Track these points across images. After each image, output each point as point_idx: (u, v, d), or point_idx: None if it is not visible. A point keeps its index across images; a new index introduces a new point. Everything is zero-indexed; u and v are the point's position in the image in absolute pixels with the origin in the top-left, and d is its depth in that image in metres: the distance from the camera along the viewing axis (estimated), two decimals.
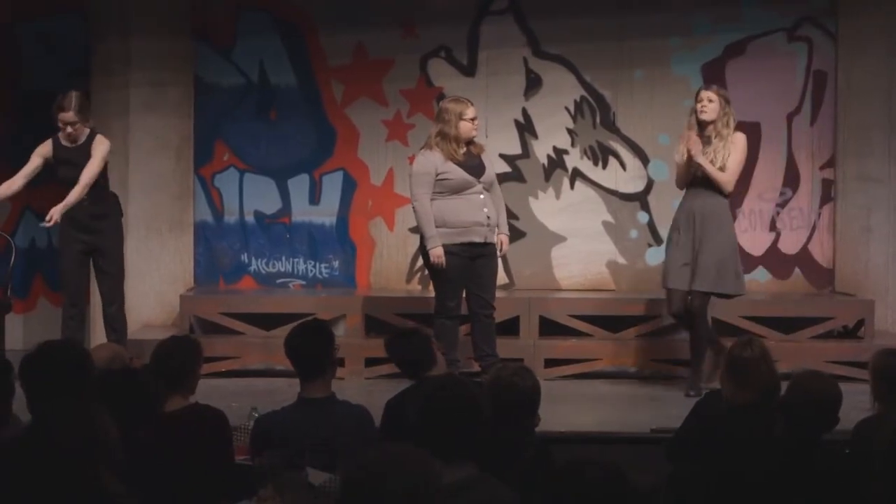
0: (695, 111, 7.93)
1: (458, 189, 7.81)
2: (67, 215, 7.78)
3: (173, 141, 9.42)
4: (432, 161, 7.81)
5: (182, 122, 9.49)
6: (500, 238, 7.94)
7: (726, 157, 7.84)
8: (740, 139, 7.92)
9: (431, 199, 7.80)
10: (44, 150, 7.96)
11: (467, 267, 7.84)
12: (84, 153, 7.87)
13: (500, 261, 8.13)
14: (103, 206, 7.97)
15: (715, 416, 5.09)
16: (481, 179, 7.87)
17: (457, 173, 7.80)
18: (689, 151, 7.83)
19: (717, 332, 8.15)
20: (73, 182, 7.83)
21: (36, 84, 9.75)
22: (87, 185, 7.81)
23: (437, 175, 7.79)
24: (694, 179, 7.90)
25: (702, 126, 7.90)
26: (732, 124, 7.91)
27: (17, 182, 7.97)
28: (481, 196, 7.85)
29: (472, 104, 7.94)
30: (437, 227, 7.77)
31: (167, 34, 9.35)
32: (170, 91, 9.37)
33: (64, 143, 7.89)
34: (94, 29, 9.34)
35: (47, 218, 7.71)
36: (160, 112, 9.32)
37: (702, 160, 7.79)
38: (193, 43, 9.55)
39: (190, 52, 9.52)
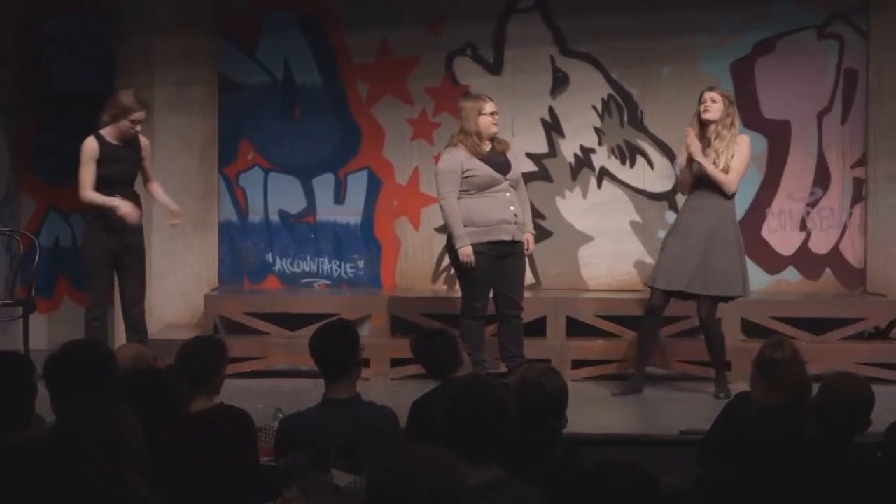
0: (698, 113, 7.92)
1: (485, 186, 7.81)
2: (98, 214, 7.77)
3: (197, 140, 9.44)
4: (458, 158, 7.82)
5: (206, 121, 9.52)
6: (526, 237, 7.94)
7: (729, 158, 7.80)
8: (744, 141, 7.90)
9: (458, 198, 7.80)
10: (92, 151, 7.76)
11: (495, 266, 7.83)
12: (133, 150, 7.85)
13: (527, 260, 8.12)
14: (138, 205, 7.98)
15: (745, 418, 5.07)
16: (507, 176, 7.86)
17: (482, 170, 7.80)
18: (688, 152, 7.81)
19: (744, 333, 8.12)
20: (125, 180, 7.80)
21: (58, 84, 9.79)
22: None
23: (463, 172, 7.79)
24: (697, 182, 7.86)
25: (704, 127, 7.88)
26: (736, 125, 7.87)
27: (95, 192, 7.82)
28: (507, 194, 7.85)
29: (490, 99, 7.94)
30: (464, 225, 7.77)
31: (191, 33, 9.37)
32: (194, 90, 9.39)
33: (111, 140, 7.83)
34: (117, 28, 9.37)
35: (175, 221, 8.03)
36: (184, 111, 9.35)
37: (702, 160, 7.77)
38: (218, 41, 9.57)
39: (214, 50, 9.54)
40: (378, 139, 9.66)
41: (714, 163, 7.80)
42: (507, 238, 7.81)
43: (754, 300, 9.05)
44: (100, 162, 7.76)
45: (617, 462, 3.35)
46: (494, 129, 7.89)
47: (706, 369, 8.47)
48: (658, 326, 8.01)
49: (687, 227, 7.88)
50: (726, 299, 7.94)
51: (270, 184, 9.72)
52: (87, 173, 7.72)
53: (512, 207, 7.84)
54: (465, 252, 7.77)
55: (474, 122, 7.83)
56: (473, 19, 9.55)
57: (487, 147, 7.86)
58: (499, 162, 7.87)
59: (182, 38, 9.28)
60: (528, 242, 7.94)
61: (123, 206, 7.68)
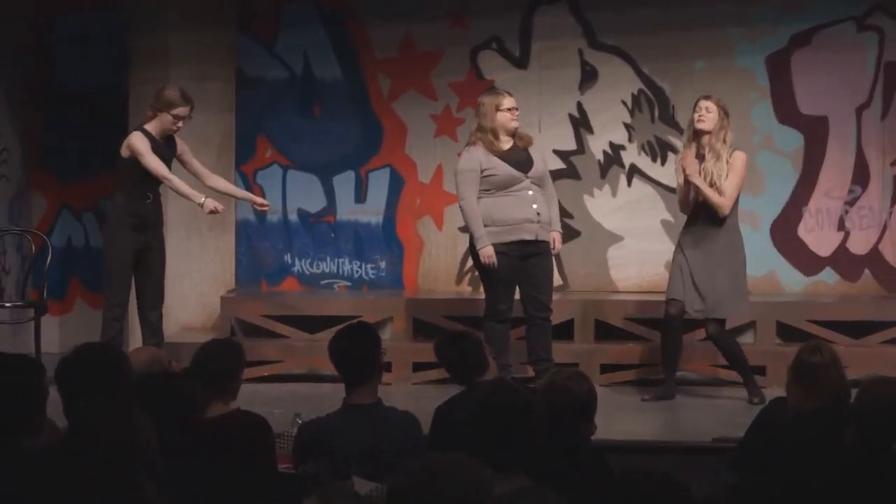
0: (692, 122, 7.90)
1: (505, 185, 7.80)
2: (127, 212, 7.78)
3: (214, 137, 9.46)
4: (476, 157, 7.82)
5: (223, 117, 9.53)
6: (553, 236, 7.92)
7: (723, 177, 7.74)
8: (739, 159, 7.85)
9: (479, 198, 7.80)
10: (146, 143, 7.75)
11: (518, 267, 7.82)
12: (170, 146, 7.89)
13: (554, 260, 8.11)
14: (161, 205, 8.02)
15: (780, 424, 5.05)
16: (529, 174, 7.84)
17: (502, 169, 7.80)
18: (684, 172, 7.79)
19: (781, 339, 8.10)
20: (158, 179, 7.80)
21: (70, 81, 9.82)
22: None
23: (482, 171, 7.79)
24: (698, 200, 7.84)
25: (698, 136, 7.85)
26: (730, 140, 7.82)
27: (179, 180, 7.86)
28: (530, 192, 7.83)
29: (509, 94, 7.93)
30: (485, 225, 7.77)
31: (207, 26, 9.39)
32: (210, 85, 9.40)
33: (155, 135, 7.85)
34: (131, 23, 9.39)
35: (263, 206, 8.14)
36: (200, 107, 9.30)
37: (697, 181, 7.74)
38: (235, 35, 9.59)
39: (231, 44, 9.56)
40: (400, 136, 9.67)
41: (707, 180, 7.76)
42: (529, 237, 7.80)
43: (791, 302, 9.04)
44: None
45: (647, 470, 3.33)
46: (513, 125, 7.87)
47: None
48: (679, 332, 7.97)
49: (697, 246, 7.84)
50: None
51: (289, 182, 9.74)
52: (156, 161, 7.72)
53: (535, 206, 7.83)
54: (486, 253, 7.77)
55: (491, 118, 7.83)
56: (499, 12, 9.54)
57: (507, 144, 7.86)
58: (520, 160, 7.85)
59: (198, 33, 9.30)
60: (554, 241, 7.92)
61: (209, 203, 7.75)
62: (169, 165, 7.85)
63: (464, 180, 7.83)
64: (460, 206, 7.91)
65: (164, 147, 7.84)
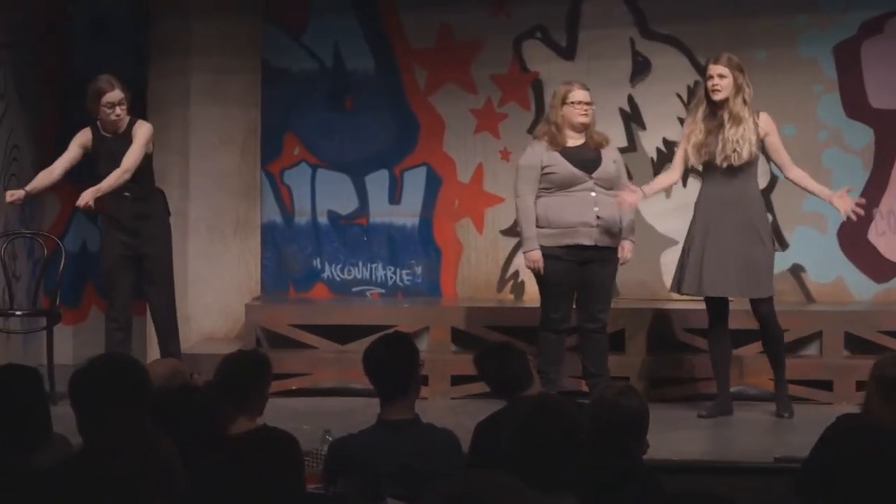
0: (705, 91, 7.81)
1: (565, 185, 7.81)
2: (108, 214, 7.87)
3: (238, 134, 9.50)
4: (537, 153, 7.85)
5: (248, 112, 9.57)
6: (623, 243, 7.90)
7: (751, 142, 7.67)
8: (770, 121, 7.82)
9: (538, 196, 7.82)
10: (83, 138, 7.96)
11: (575, 273, 7.82)
12: (127, 144, 7.90)
13: (616, 270, 8.06)
14: (147, 204, 7.99)
15: (852, 443, 5.03)
16: (594, 175, 7.84)
17: (562, 167, 7.81)
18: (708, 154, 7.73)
19: (852, 348, 8.06)
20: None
21: (87, 73, 9.87)
22: (128, 171, 7.79)
23: (542, 169, 7.81)
24: (710, 166, 7.76)
25: (714, 108, 7.77)
26: (750, 100, 7.74)
27: (55, 171, 7.99)
28: (592, 194, 7.83)
29: (583, 87, 7.91)
30: (540, 227, 7.79)
31: (231, 15, 9.44)
32: (234, 79, 9.45)
33: (105, 133, 7.92)
34: (151, 11, 9.45)
35: (79, 201, 7.77)
36: (223, 102, 9.42)
37: (815, 189, 7.90)
38: (260, 24, 9.63)
39: (256, 34, 9.60)
40: (437, 132, 9.68)
41: (735, 152, 7.66)
42: (587, 242, 7.80)
43: (860, 311, 9.00)
44: (95, 158, 7.88)
45: (703, 492, 3.33)
46: (580, 121, 7.87)
47: (806, 389, 8.42)
48: (725, 337, 7.94)
49: (719, 225, 7.78)
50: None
51: (318, 182, 9.77)
52: (64, 155, 7.95)
53: (596, 209, 7.82)
54: (531, 257, 7.79)
55: (557, 110, 7.86)
56: None
57: (575, 140, 7.86)
58: (585, 158, 7.85)
59: (221, 22, 9.35)
60: (622, 249, 7.91)
61: (83, 197, 7.73)
62: (117, 160, 7.84)
63: (521, 177, 7.87)
64: (515, 204, 7.94)
65: (116, 143, 7.89)
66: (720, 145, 7.70)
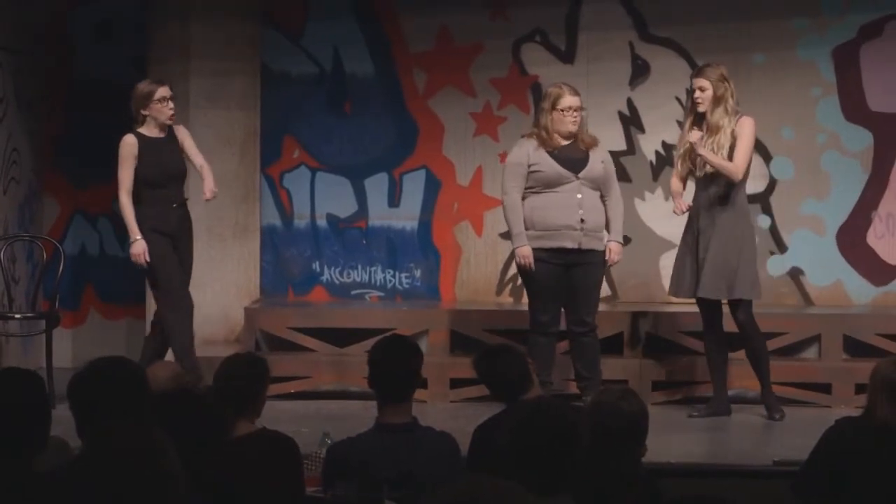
0: (692, 103, 7.92)
1: (551, 184, 7.82)
2: (151, 224, 7.86)
3: (237, 137, 9.51)
4: (524, 151, 7.87)
5: (247, 115, 9.58)
6: (610, 246, 7.90)
7: (725, 147, 7.72)
8: (747, 125, 7.83)
9: (524, 197, 7.83)
10: (132, 149, 7.88)
11: (561, 276, 7.83)
12: (173, 144, 7.94)
13: (604, 272, 8.07)
14: (186, 210, 8.10)
15: (860, 445, 5.04)
16: (580, 175, 7.84)
17: (548, 166, 7.82)
18: (690, 145, 7.76)
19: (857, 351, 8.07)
20: (174, 178, 7.92)
21: (87, 75, 9.89)
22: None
23: (529, 167, 7.82)
24: (705, 183, 7.83)
25: (700, 118, 7.86)
26: (731, 108, 7.77)
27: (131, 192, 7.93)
28: (578, 195, 7.83)
29: (573, 92, 7.90)
30: (525, 228, 7.80)
31: (231, 18, 9.44)
32: (234, 81, 9.46)
33: (150, 135, 7.92)
34: (151, 14, 9.46)
35: (209, 195, 7.93)
36: (223, 105, 9.42)
37: (704, 152, 7.73)
38: (260, 28, 9.63)
39: (256, 37, 9.60)
40: (437, 135, 9.68)
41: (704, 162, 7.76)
42: (570, 245, 7.81)
43: (859, 314, 9.00)
44: (146, 161, 7.86)
45: (702, 496, 3.34)
46: (569, 129, 7.87)
47: (805, 392, 8.42)
48: (720, 339, 7.96)
49: (706, 228, 7.83)
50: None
51: (318, 185, 9.77)
52: (125, 174, 7.85)
53: (581, 211, 7.82)
54: (521, 252, 7.81)
55: (547, 114, 7.86)
56: (543, 2, 9.55)
57: (564, 142, 7.86)
58: (572, 158, 7.85)
59: (221, 25, 9.35)
60: (609, 252, 7.90)
61: (136, 246, 7.80)
62: (178, 161, 7.93)
63: (508, 174, 7.90)
64: (502, 201, 7.95)
65: (167, 143, 7.90)
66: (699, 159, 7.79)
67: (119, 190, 7.88)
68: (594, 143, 7.95)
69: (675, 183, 8.06)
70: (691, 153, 7.85)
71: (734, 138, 7.78)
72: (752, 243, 7.94)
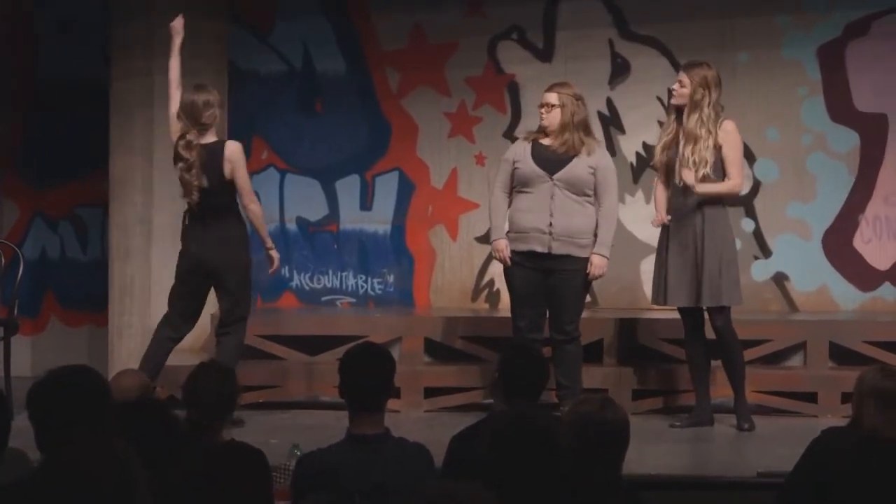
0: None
1: (526, 184, 7.86)
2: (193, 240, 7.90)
3: None
4: (515, 148, 8.01)
5: None
6: (592, 258, 7.88)
7: (707, 166, 7.67)
8: (731, 131, 7.79)
9: (510, 195, 7.89)
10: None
11: (537, 281, 7.84)
12: (214, 154, 7.87)
13: (586, 282, 8.05)
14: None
15: (849, 456, 5.05)
16: (555, 177, 7.84)
17: (525, 163, 7.85)
18: (683, 180, 7.73)
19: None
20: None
21: (48, 73, 9.86)
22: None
23: (513, 163, 7.87)
24: (678, 190, 7.84)
25: (679, 114, 7.85)
26: (708, 117, 7.72)
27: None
28: (552, 197, 7.82)
29: (550, 88, 7.91)
30: (507, 232, 7.85)
31: (196, 15, 9.38)
32: (199, 80, 9.41)
33: (196, 140, 7.84)
34: (115, 10, 9.43)
35: (273, 269, 8.01)
36: None
37: (701, 190, 7.69)
38: (226, 25, 9.61)
39: (222, 35, 9.58)
40: (410, 136, 9.69)
41: (695, 163, 7.68)
42: (540, 250, 7.81)
43: (845, 321, 9.03)
44: (188, 162, 7.83)
45: None
46: (541, 123, 7.90)
47: (790, 401, 8.44)
48: (702, 347, 7.98)
49: (679, 235, 7.84)
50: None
51: (287, 187, 9.76)
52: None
53: (551, 215, 7.81)
54: (496, 246, 7.90)
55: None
56: None
57: (553, 141, 7.86)
58: (550, 158, 7.85)
59: (186, 21, 9.31)
60: (590, 265, 7.87)
61: (275, 255, 8.01)
62: (208, 171, 7.90)
63: (498, 170, 8.00)
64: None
65: (212, 151, 7.89)
66: (676, 163, 7.77)
67: (250, 197, 7.89)
68: (585, 147, 7.88)
69: (661, 192, 8.01)
70: (668, 149, 7.83)
71: (718, 149, 7.74)
72: (732, 246, 7.94)
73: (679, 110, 7.85)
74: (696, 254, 7.80)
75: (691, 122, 7.76)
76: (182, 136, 7.78)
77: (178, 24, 7.96)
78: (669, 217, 7.86)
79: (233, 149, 7.82)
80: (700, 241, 7.80)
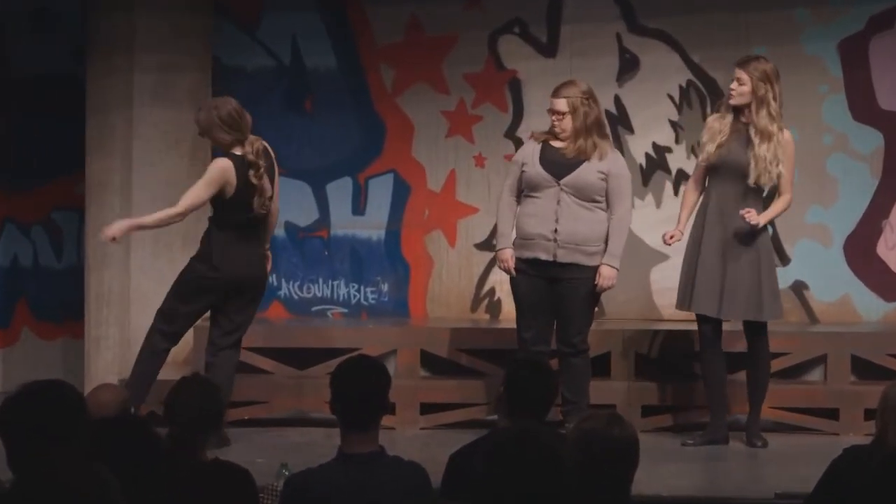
0: (728, 98, 8.02)
1: (533, 188, 7.91)
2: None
3: (185, 138, 9.47)
4: (525, 149, 8.09)
5: None
6: (601, 269, 7.88)
7: (778, 162, 7.80)
8: (790, 145, 7.93)
9: (519, 199, 7.92)
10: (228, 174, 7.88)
11: (543, 290, 7.86)
12: (269, 157, 8.00)
13: (595, 293, 8.06)
14: None
15: (866, 476, 5.05)
16: (562, 182, 7.86)
17: (532, 166, 7.90)
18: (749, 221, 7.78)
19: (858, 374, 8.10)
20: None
21: (18, 69, 9.85)
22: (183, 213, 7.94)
23: (521, 165, 7.92)
24: (721, 172, 7.86)
25: (737, 112, 7.93)
26: (776, 111, 7.84)
27: None
28: (558, 202, 7.85)
29: (557, 94, 7.91)
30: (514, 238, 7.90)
31: (179, 8, 9.42)
32: (182, 77, 9.43)
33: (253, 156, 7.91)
34: (92, 4, 9.43)
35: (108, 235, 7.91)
36: (170, 102, 9.39)
37: (760, 220, 7.78)
38: (211, 18, 9.62)
39: (207, 29, 9.59)
40: (406, 136, 9.69)
41: (759, 177, 7.80)
42: (545, 257, 7.84)
43: (868, 333, 9.03)
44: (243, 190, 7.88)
45: None
46: (555, 132, 7.91)
47: (809, 417, 8.45)
48: (719, 359, 7.99)
49: (719, 240, 7.88)
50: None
51: None
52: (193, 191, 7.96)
53: (557, 221, 7.83)
54: (501, 256, 7.95)
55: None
56: None
57: (563, 144, 7.88)
58: (558, 162, 7.87)
59: (169, 14, 9.33)
60: (599, 276, 7.88)
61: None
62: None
63: (507, 173, 8.09)
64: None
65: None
66: (752, 162, 7.79)
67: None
68: (597, 150, 7.89)
69: (691, 197, 8.06)
70: (724, 146, 7.85)
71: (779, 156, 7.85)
72: (770, 255, 7.99)
73: (737, 109, 7.88)
74: (739, 262, 7.82)
75: (762, 119, 7.84)
76: (240, 147, 7.82)
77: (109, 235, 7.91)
78: (681, 234, 7.91)
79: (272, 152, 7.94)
80: (741, 247, 7.82)
